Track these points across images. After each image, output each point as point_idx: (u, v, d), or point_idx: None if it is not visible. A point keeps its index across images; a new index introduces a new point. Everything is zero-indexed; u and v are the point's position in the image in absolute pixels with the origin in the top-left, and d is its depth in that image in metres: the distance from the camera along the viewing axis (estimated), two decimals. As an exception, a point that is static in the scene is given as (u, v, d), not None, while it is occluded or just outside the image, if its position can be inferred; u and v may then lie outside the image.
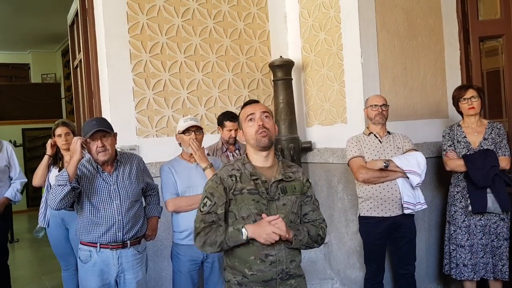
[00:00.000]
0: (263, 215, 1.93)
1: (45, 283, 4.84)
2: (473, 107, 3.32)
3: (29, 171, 9.44)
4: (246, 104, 2.11)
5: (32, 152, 9.81)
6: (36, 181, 3.59)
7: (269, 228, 1.87)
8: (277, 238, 1.89)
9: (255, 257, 1.94)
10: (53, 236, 3.58)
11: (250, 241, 1.93)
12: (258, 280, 1.95)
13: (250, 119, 2.00)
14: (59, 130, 3.56)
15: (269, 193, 1.97)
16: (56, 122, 3.65)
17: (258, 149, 1.99)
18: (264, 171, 2.01)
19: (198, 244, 1.99)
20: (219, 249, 1.95)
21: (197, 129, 2.90)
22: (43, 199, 3.65)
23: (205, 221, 1.96)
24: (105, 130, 2.54)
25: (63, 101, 10.45)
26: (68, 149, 3.55)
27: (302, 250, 2.11)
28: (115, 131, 2.66)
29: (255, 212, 1.95)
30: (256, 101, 2.12)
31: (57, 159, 3.60)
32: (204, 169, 2.85)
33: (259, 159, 2.02)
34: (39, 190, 3.88)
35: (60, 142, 3.54)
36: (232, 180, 1.98)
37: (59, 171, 3.45)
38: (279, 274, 1.95)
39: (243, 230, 1.90)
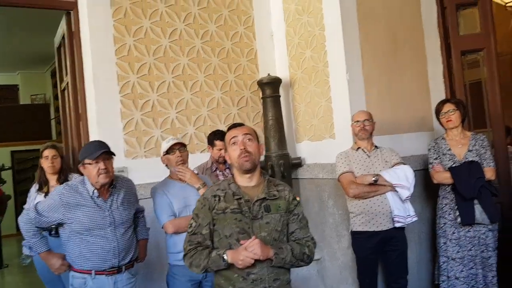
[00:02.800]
0: (241, 241, 1.97)
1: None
2: (450, 120, 3.39)
3: (18, 193, 9.38)
4: (230, 127, 2.17)
5: (21, 174, 9.72)
6: None
7: (243, 254, 1.93)
8: (251, 261, 1.93)
9: (238, 275, 1.99)
10: (39, 263, 3.49)
11: None
12: None
13: (233, 143, 2.07)
14: (47, 152, 3.53)
15: (252, 212, 2.02)
16: (45, 144, 3.63)
17: (241, 172, 2.07)
18: (248, 191, 2.08)
19: (186, 264, 2.08)
20: (204, 271, 2.03)
21: (180, 147, 2.91)
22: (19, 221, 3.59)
23: (191, 242, 2.06)
24: (110, 152, 2.55)
25: (52, 122, 10.39)
26: (54, 173, 3.54)
27: (294, 268, 2.13)
28: None
29: (237, 230, 2.00)
30: (240, 124, 2.16)
31: (42, 185, 3.56)
32: (197, 189, 2.85)
33: (244, 180, 2.10)
34: None
35: (47, 164, 3.51)
36: (215, 200, 2.06)
37: (44, 196, 3.41)
38: None
39: (224, 256, 1.97)
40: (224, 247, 2.02)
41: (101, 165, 2.49)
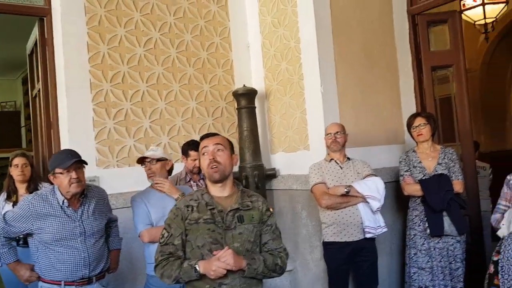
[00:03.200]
0: (214, 252, 1.95)
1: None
2: (421, 134, 3.47)
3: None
4: (202, 137, 2.18)
5: (-12, 183, 9.41)
6: None
7: (215, 264, 1.91)
8: (224, 272, 1.92)
9: (210, 285, 1.97)
10: (6, 274, 3.39)
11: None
12: None
13: (204, 153, 2.08)
14: (17, 161, 3.46)
15: (225, 222, 2.01)
16: (14, 152, 3.56)
17: (211, 182, 2.08)
18: (221, 201, 2.07)
19: (157, 275, 2.05)
20: (175, 282, 2.00)
21: (152, 160, 2.89)
22: None
23: (163, 253, 2.03)
24: (82, 161, 2.50)
25: (22, 129, 10.14)
26: (23, 182, 3.46)
27: (266, 279, 2.13)
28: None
29: (210, 241, 1.99)
30: (214, 134, 2.17)
31: (10, 193, 3.46)
32: (176, 200, 2.83)
33: (216, 190, 2.09)
34: None
35: (16, 173, 3.43)
36: (188, 210, 2.05)
37: (13, 205, 3.33)
38: None
39: (196, 266, 1.94)
40: (196, 258, 2.00)
41: (73, 174, 2.44)
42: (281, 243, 2.15)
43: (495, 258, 1.36)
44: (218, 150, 2.06)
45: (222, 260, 1.91)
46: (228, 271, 1.94)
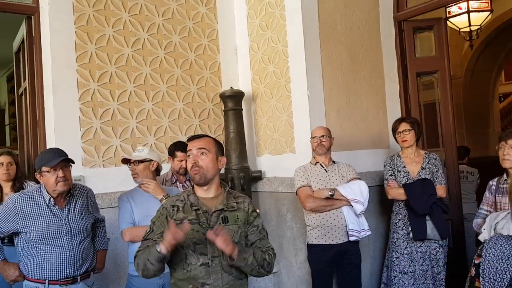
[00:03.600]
0: (186, 221, 1.95)
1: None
2: (405, 140, 3.52)
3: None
4: (189, 139, 2.17)
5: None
6: None
7: (172, 225, 1.89)
8: (226, 247, 1.89)
9: (193, 286, 1.98)
10: None
11: (187, 268, 1.99)
12: None
13: (188, 155, 2.10)
14: (2, 159, 3.44)
15: (209, 223, 2.02)
16: (0, 150, 3.53)
17: (195, 184, 2.10)
18: (207, 202, 2.09)
19: (135, 267, 2.05)
20: (145, 269, 1.96)
21: (135, 162, 2.91)
22: None
23: (141, 247, 2.05)
24: (69, 160, 2.50)
25: (7, 128, 10.01)
26: (8, 180, 3.43)
27: (252, 278, 2.14)
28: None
29: (194, 241, 2.00)
30: (200, 136, 2.16)
31: None
32: (160, 201, 2.84)
33: (201, 191, 2.11)
34: None
35: (1, 171, 3.41)
36: (173, 210, 2.06)
37: None
38: None
39: (158, 243, 1.92)
40: (180, 258, 2.01)
41: (60, 173, 2.45)
42: (269, 243, 2.16)
43: (476, 261, 1.40)
44: (202, 153, 2.07)
45: (217, 233, 1.89)
46: (212, 271, 1.96)
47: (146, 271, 1.98)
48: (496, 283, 1.32)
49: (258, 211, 2.22)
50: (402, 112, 4.27)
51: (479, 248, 1.42)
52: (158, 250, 1.89)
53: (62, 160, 2.46)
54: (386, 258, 3.59)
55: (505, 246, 1.32)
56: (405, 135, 3.51)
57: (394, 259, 3.48)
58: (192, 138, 2.15)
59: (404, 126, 3.53)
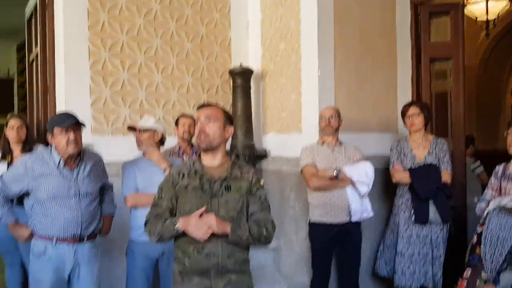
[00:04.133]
0: (197, 211, 2.02)
1: (-15, 283, 4.62)
2: (414, 124, 3.50)
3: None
4: (198, 107, 2.22)
5: (-21, 148, 9.36)
6: None
7: (194, 220, 1.99)
8: (202, 234, 1.97)
9: (193, 248, 2.06)
10: None
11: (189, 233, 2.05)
12: (195, 270, 2.06)
13: (197, 123, 2.15)
14: (13, 122, 3.48)
15: (212, 190, 2.08)
16: (11, 113, 3.58)
17: (202, 150, 2.15)
18: (212, 170, 2.14)
19: (146, 232, 2.16)
20: (160, 239, 2.09)
21: (140, 130, 2.99)
22: None
23: (151, 213, 2.15)
24: (81, 123, 2.55)
25: (15, 98, 10.08)
26: (18, 142, 3.48)
27: (251, 253, 2.20)
28: None
29: (196, 207, 2.05)
30: (209, 105, 2.21)
31: (5, 153, 3.49)
32: (164, 171, 2.88)
33: (207, 159, 2.16)
34: None
35: (12, 134, 3.46)
36: (179, 176, 2.14)
37: (7, 166, 3.35)
38: (214, 266, 2.05)
39: (176, 223, 2.03)
40: None
41: (71, 135, 2.50)
42: (269, 215, 2.19)
43: (479, 230, 1.43)
44: (210, 121, 2.11)
45: (204, 223, 1.97)
46: (212, 235, 2.00)
47: (161, 240, 2.10)
48: (497, 250, 1.34)
49: (262, 182, 2.24)
50: (413, 97, 4.22)
51: (483, 218, 1.43)
52: (176, 228, 2.02)
53: (73, 123, 2.50)
54: (385, 238, 3.60)
55: (509, 216, 1.32)
56: (414, 119, 3.49)
57: (395, 241, 3.49)
58: (201, 106, 2.20)
59: (413, 110, 3.50)
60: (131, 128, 3.08)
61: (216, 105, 2.23)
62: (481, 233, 1.41)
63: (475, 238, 1.45)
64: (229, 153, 2.24)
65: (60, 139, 2.50)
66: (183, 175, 2.13)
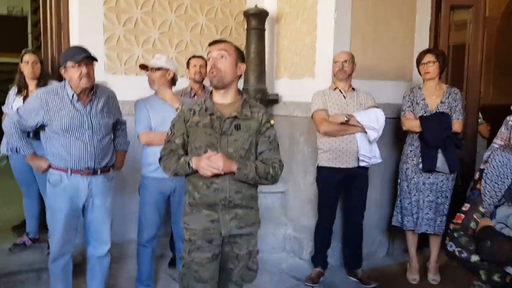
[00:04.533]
0: (209, 151, 2.07)
1: (5, 212, 4.82)
2: (428, 72, 3.45)
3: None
4: (210, 43, 2.18)
5: (-5, 85, 9.48)
6: None
7: (204, 162, 2.04)
8: (210, 172, 2.04)
9: (203, 183, 2.13)
10: (16, 162, 3.56)
11: None
12: (204, 203, 2.14)
13: (208, 58, 2.14)
14: (27, 57, 3.51)
15: (222, 128, 2.11)
16: (25, 49, 3.60)
17: (213, 87, 2.15)
18: (223, 108, 2.15)
19: (161, 167, 2.25)
20: (174, 175, 2.19)
21: (152, 69, 3.01)
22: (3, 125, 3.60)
23: (165, 149, 2.22)
24: (93, 57, 2.56)
25: (29, 36, 10.05)
26: (33, 78, 3.52)
27: (260, 196, 2.30)
28: None
29: (205, 144, 2.11)
30: (221, 41, 2.17)
31: (21, 88, 3.54)
32: (176, 110, 2.91)
33: (218, 96, 2.18)
34: None
35: (27, 69, 3.49)
36: (190, 113, 2.16)
37: (23, 100, 3.41)
38: (221, 200, 2.12)
39: (190, 162, 2.10)
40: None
41: (84, 69, 2.51)
42: (277, 155, 2.22)
43: (482, 167, 1.47)
44: (222, 56, 2.10)
45: (212, 163, 2.02)
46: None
47: (177, 175, 2.20)
48: (497, 185, 1.38)
49: (272, 122, 2.26)
50: (430, 46, 4.13)
51: (487, 156, 1.47)
52: (190, 166, 2.08)
53: (86, 57, 2.52)
54: (399, 189, 3.65)
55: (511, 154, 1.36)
56: (429, 66, 3.44)
57: (404, 188, 3.55)
58: (214, 42, 2.16)
59: (428, 57, 3.45)
60: (143, 67, 3.09)
61: (229, 41, 2.20)
62: (483, 169, 1.45)
63: (477, 175, 1.49)
64: (241, 92, 2.23)
65: (73, 73, 2.52)
66: (194, 112, 2.16)
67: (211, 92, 2.21)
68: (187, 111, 2.18)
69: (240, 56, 2.18)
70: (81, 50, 2.56)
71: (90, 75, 2.54)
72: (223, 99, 2.17)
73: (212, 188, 2.12)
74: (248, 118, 2.15)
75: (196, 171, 2.10)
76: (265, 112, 2.23)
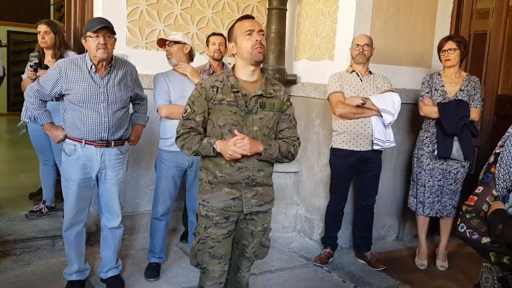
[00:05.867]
0: (235, 131, 2.04)
1: (22, 179, 4.96)
2: (448, 59, 3.43)
3: (11, 75, 9.34)
4: (242, 18, 2.14)
5: (16, 56, 9.60)
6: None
7: (232, 148, 2.01)
8: (239, 156, 2.03)
9: (226, 161, 2.09)
10: (33, 129, 3.63)
11: None
12: (226, 181, 2.12)
13: (249, 33, 2.06)
14: (39, 27, 3.55)
15: (248, 106, 2.09)
16: (41, 20, 3.63)
17: (251, 63, 2.09)
18: (247, 85, 2.12)
19: (178, 146, 2.17)
20: (194, 155, 2.14)
21: (170, 42, 3.05)
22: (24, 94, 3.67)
23: (184, 126, 2.13)
24: (110, 28, 2.59)
25: (51, 7, 10.10)
26: (47, 48, 3.57)
27: (274, 175, 2.32)
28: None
29: (231, 122, 2.08)
30: (253, 17, 2.16)
31: (40, 57, 3.57)
32: (196, 85, 2.95)
33: (245, 73, 2.13)
34: (20, 95, 3.82)
35: (39, 39, 3.55)
36: (213, 90, 2.09)
37: (37, 68, 3.45)
38: (245, 179, 2.12)
39: (214, 146, 2.05)
40: (216, 136, 2.10)
41: (101, 39, 2.55)
42: (296, 133, 2.25)
43: (497, 151, 1.48)
44: (262, 34, 2.10)
45: (239, 146, 2.01)
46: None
47: (196, 155, 2.15)
48: (511, 169, 1.40)
49: (291, 100, 2.30)
50: (451, 33, 4.10)
51: (503, 139, 1.48)
52: (215, 149, 2.04)
53: (104, 28, 2.55)
54: (412, 173, 3.68)
55: (528, 139, 1.38)
56: (450, 54, 3.42)
57: (418, 173, 3.57)
58: (249, 17, 2.15)
59: (450, 44, 3.43)
60: (161, 42, 3.11)
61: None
62: (498, 153, 1.47)
63: (491, 158, 1.50)
64: (262, 70, 2.21)
65: (91, 43, 2.56)
66: (217, 89, 2.10)
67: (232, 68, 2.17)
68: (208, 88, 2.10)
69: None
70: (101, 21, 2.60)
71: (107, 46, 2.57)
72: (250, 77, 2.14)
73: (236, 166, 2.10)
74: (271, 96, 2.15)
75: (219, 154, 2.08)
76: (285, 91, 2.24)
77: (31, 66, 3.36)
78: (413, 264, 3.68)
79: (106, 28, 2.57)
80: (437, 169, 3.48)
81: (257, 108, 2.10)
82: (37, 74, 3.28)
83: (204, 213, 2.17)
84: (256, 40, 2.05)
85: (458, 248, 3.91)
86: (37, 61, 3.37)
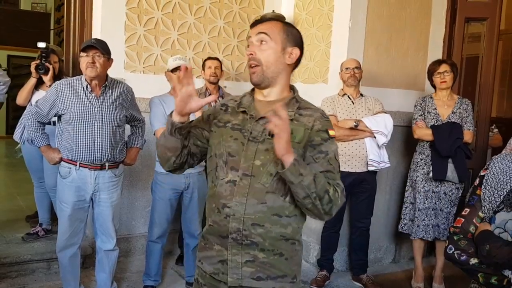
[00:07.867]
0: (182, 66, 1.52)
1: (19, 202, 4.97)
2: (444, 81, 3.50)
3: (10, 98, 9.40)
4: (252, 24, 1.63)
5: (16, 80, 9.65)
6: (20, 100, 3.65)
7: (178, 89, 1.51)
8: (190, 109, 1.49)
9: (215, 205, 1.52)
10: (28, 151, 3.66)
11: (215, 181, 1.55)
12: (214, 233, 1.53)
13: (248, 45, 1.58)
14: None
15: (252, 132, 1.50)
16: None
17: (253, 85, 1.59)
18: (262, 105, 1.56)
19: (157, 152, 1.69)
20: (159, 148, 1.60)
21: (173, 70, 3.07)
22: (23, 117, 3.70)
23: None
24: (97, 48, 2.64)
25: (51, 33, 10.28)
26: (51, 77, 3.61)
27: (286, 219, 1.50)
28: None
29: (228, 151, 1.52)
30: (267, 19, 1.60)
31: (38, 83, 3.62)
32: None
33: (259, 92, 1.60)
34: (19, 117, 3.85)
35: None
36: (221, 109, 1.61)
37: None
38: (232, 233, 1.47)
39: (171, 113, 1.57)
40: (211, 169, 1.58)
41: (89, 58, 2.61)
42: (338, 180, 1.50)
43: (482, 173, 1.52)
44: (262, 42, 1.51)
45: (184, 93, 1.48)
46: (236, 191, 1.47)
47: (160, 151, 1.59)
48: (496, 192, 1.43)
49: (332, 133, 1.55)
50: (443, 58, 4.18)
51: (488, 163, 1.53)
52: (169, 116, 1.54)
53: (92, 47, 2.61)
54: (406, 196, 3.69)
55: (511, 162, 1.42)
56: (446, 76, 3.49)
57: (412, 197, 3.60)
58: (255, 23, 1.59)
59: (444, 67, 3.50)
60: (175, 69, 3.06)
61: (277, 17, 1.82)
62: (483, 176, 1.51)
63: (477, 181, 1.54)
64: (292, 87, 1.62)
65: (82, 61, 2.65)
66: (226, 108, 1.59)
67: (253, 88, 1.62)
68: (218, 107, 1.61)
69: (292, 38, 1.56)
70: (92, 41, 2.68)
71: (95, 65, 2.62)
72: (266, 96, 1.57)
73: (223, 213, 1.49)
74: (292, 122, 1.47)
75: (205, 168, 1.74)
76: (321, 118, 1.54)
77: (38, 65, 3.44)
78: (410, 286, 3.67)
79: (95, 48, 2.63)
80: (432, 191, 3.50)
81: (265, 135, 1.48)
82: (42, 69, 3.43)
83: (196, 277, 1.64)
84: (248, 55, 1.55)
85: (455, 270, 3.86)
86: (46, 49, 3.51)
